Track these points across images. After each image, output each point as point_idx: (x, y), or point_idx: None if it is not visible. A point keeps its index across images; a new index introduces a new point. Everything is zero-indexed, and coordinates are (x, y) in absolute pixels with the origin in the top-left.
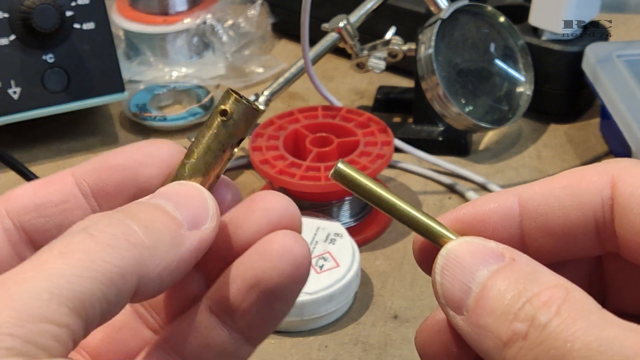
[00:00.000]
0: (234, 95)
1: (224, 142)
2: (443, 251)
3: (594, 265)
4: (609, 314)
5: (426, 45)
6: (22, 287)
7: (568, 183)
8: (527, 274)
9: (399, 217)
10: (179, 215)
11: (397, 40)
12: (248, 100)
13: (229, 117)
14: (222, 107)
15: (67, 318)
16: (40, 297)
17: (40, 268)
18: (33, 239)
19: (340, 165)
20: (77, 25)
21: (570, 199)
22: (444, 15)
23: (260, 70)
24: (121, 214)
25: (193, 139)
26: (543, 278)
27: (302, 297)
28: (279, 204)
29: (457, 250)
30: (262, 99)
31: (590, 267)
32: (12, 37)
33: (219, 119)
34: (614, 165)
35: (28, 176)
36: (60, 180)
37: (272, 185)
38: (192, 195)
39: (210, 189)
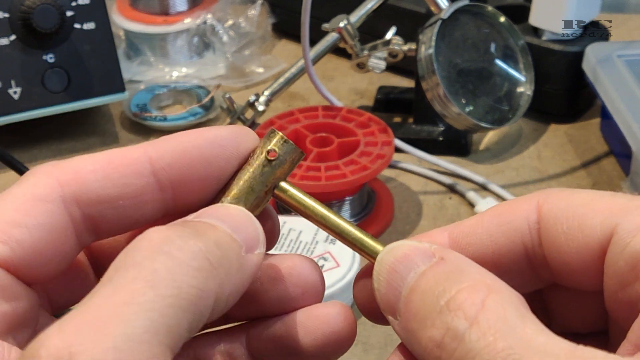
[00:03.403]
0: (280, 134)
1: (267, 182)
2: (378, 257)
3: (535, 296)
4: (530, 326)
5: (426, 45)
6: (122, 328)
7: (496, 213)
8: (450, 273)
9: (333, 231)
10: (237, 237)
11: (398, 40)
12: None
13: (276, 157)
14: (271, 146)
15: (164, 357)
16: (141, 338)
17: (133, 301)
18: (98, 228)
19: (283, 184)
20: (77, 25)
21: (497, 227)
22: (445, 15)
23: (261, 70)
24: (189, 229)
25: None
26: (465, 276)
27: None
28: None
29: (390, 254)
30: (262, 99)
31: (530, 297)
32: (13, 37)
33: (264, 159)
34: (541, 192)
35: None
36: (135, 164)
37: None
38: (243, 220)
39: None
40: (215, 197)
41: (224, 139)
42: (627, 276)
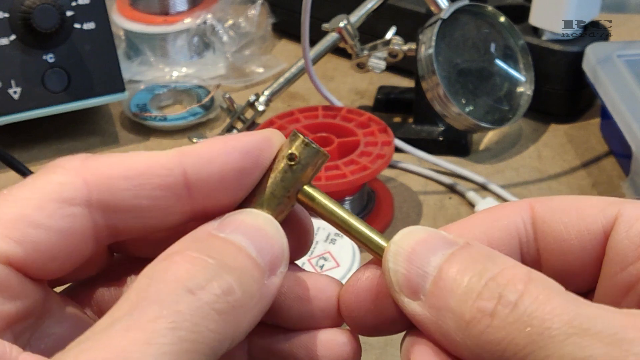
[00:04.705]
0: (302, 137)
1: (289, 187)
2: (395, 238)
3: None
4: (575, 295)
5: (426, 45)
6: None
7: (489, 213)
8: (484, 256)
9: (358, 239)
10: (261, 260)
11: (398, 40)
12: (315, 144)
13: (297, 161)
14: (290, 150)
15: None
16: None
17: (153, 341)
18: (119, 233)
19: (307, 188)
20: (77, 25)
21: (492, 223)
22: (445, 15)
23: (261, 70)
24: (213, 261)
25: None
26: (501, 259)
27: None
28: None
29: (409, 237)
30: (262, 99)
31: None
32: (13, 37)
33: (285, 163)
34: (531, 198)
35: (28, 176)
36: (170, 176)
37: None
38: (270, 234)
39: None
40: (241, 202)
41: (258, 148)
42: (630, 255)
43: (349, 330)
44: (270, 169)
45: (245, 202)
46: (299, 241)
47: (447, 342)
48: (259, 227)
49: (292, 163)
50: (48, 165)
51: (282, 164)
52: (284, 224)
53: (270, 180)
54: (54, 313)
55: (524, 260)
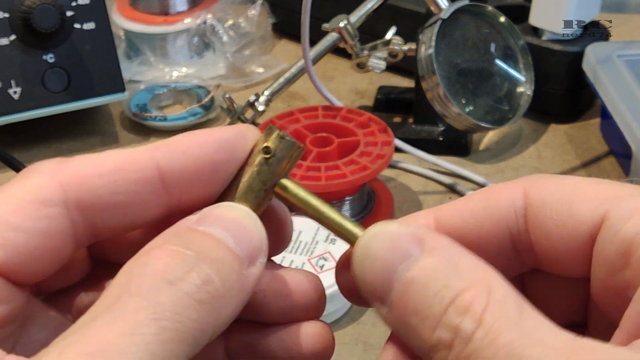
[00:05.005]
0: (278, 131)
1: (266, 180)
2: (360, 242)
3: (515, 282)
4: (530, 319)
5: (426, 45)
6: (122, 357)
7: (481, 197)
8: (448, 267)
9: (333, 229)
10: (239, 251)
11: (398, 40)
12: (291, 137)
13: (272, 154)
14: (265, 144)
15: None
16: None
17: (135, 332)
18: (98, 232)
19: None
20: (77, 25)
21: (483, 211)
22: (445, 15)
23: (261, 70)
24: (191, 253)
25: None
26: (464, 271)
27: None
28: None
29: (375, 240)
30: (262, 99)
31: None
32: (13, 37)
33: (261, 157)
34: (527, 179)
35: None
36: (144, 171)
37: None
38: (248, 227)
39: None
40: (219, 197)
41: (231, 142)
42: (617, 262)
43: (324, 322)
44: (246, 163)
45: (223, 197)
46: (278, 236)
47: (415, 352)
48: (236, 219)
49: (268, 156)
50: (23, 171)
51: (258, 158)
52: (262, 219)
53: (247, 174)
54: (37, 320)
55: (517, 249)
